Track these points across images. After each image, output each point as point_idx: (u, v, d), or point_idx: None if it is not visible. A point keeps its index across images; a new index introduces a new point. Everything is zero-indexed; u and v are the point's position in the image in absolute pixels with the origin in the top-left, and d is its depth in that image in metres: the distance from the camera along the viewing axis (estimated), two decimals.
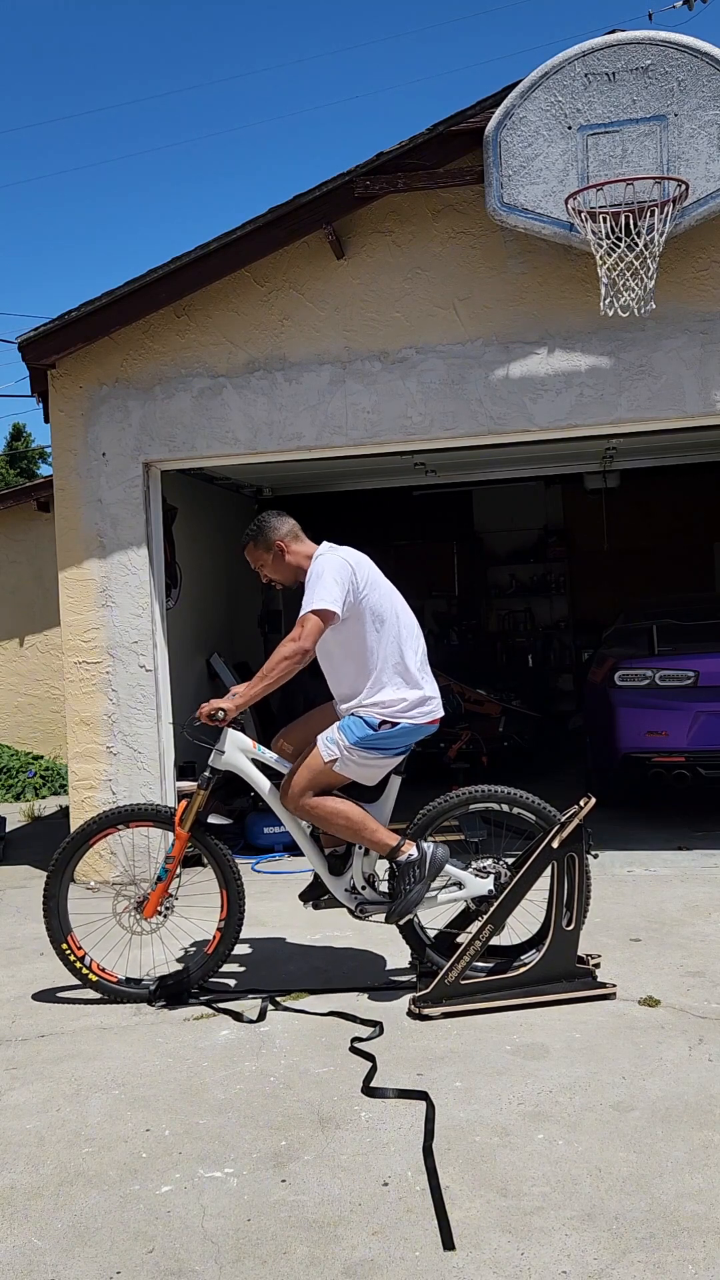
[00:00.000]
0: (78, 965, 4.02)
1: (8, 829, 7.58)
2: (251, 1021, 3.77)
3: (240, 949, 4.54)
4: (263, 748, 4.09)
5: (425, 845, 3.89)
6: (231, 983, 4.20)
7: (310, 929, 4.90)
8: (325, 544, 4.07)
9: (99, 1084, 3.35)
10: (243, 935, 4.51)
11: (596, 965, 3.89)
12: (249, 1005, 3.93)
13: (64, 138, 61.37)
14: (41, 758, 10.32)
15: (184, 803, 4.03)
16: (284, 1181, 2.71)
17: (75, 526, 6.33)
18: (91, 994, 4.09)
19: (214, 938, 4.05)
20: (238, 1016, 3.82)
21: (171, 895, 4.02)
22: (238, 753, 4.04)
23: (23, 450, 29.26)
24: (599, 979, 3.85)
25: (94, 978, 4.03)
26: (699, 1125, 2.87)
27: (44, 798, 9.65)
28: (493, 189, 5.50)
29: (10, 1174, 2.83)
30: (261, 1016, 3.80)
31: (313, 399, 6.06)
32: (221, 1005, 3.94)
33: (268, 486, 9.96)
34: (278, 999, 3.96)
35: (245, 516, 10.26)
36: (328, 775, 3.89)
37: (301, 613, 3.79)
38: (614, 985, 3.85)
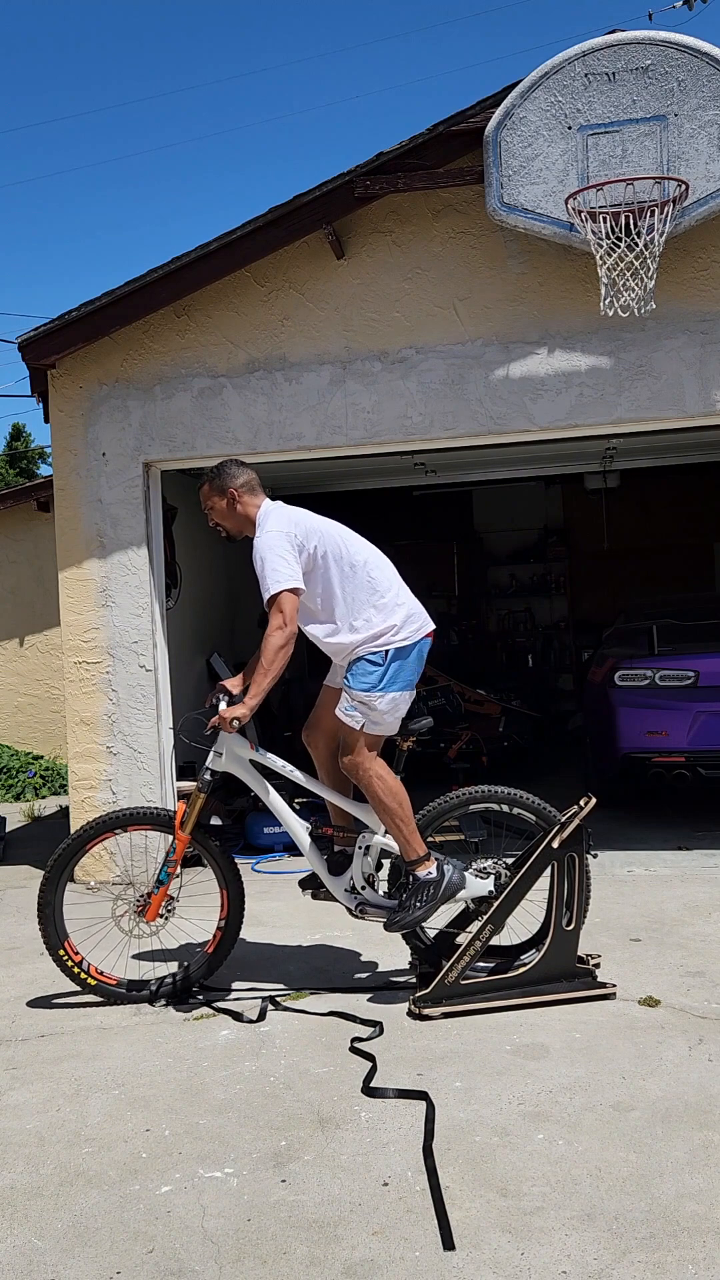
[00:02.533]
0: (76, 971, 4.01)
1: (8, 829, 7.58)
2: (251, 1021, 3.77)
3: (240, 949, 4.53)
4: (261, 749, 4.09)
5: (446, 868, 3.86)
6: (231, 983, 4.20)
7: (310, 929, 4.90)
8: (268, 503, 4.05)
9: (99, 1084, 3.35)
10: (243, 935, 4.50)
11: (596, 965, 3.89)
12: (249, 1005, 3.92)
13: (64, 138, 61.37)
14: (41, 758, 10.33)
15: (183, 805, 4.02)
16: (284, 1181, 2.71)
17: (75, 526, 6.33)
18: (92, 995, 4.08)
19: (214, 937, 4.05)
20: (238, 1016, 3.82)
21: (172, 898, 4.02)
22: (235, 755, 4.03)
23: (23, 450, 29.25)
24: (599, 979, 3.85)
25: (93, 982, 4.02)
26: (699, 1125, 2.87)
27: (44, 798, 9.65)
28: (493, 189, 5.50)
29: (10, 1174, 2.83)
30: (261, 1016, 3.80)
31: (313, 399, 6.06)
32: (221, 1005, 3.94)
33: (268, 486, 9.95)
34: (278, 999, 3.96)
35: None
36: (366, 740, 3.87)
37: (268, 597, 3.79)
38: (614, 985, 3.85)
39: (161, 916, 4.00)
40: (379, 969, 4.29)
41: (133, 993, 4.05)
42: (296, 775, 4.10)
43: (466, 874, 3.94)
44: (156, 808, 4.31)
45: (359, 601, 3.91)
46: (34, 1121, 3.13)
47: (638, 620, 7.48)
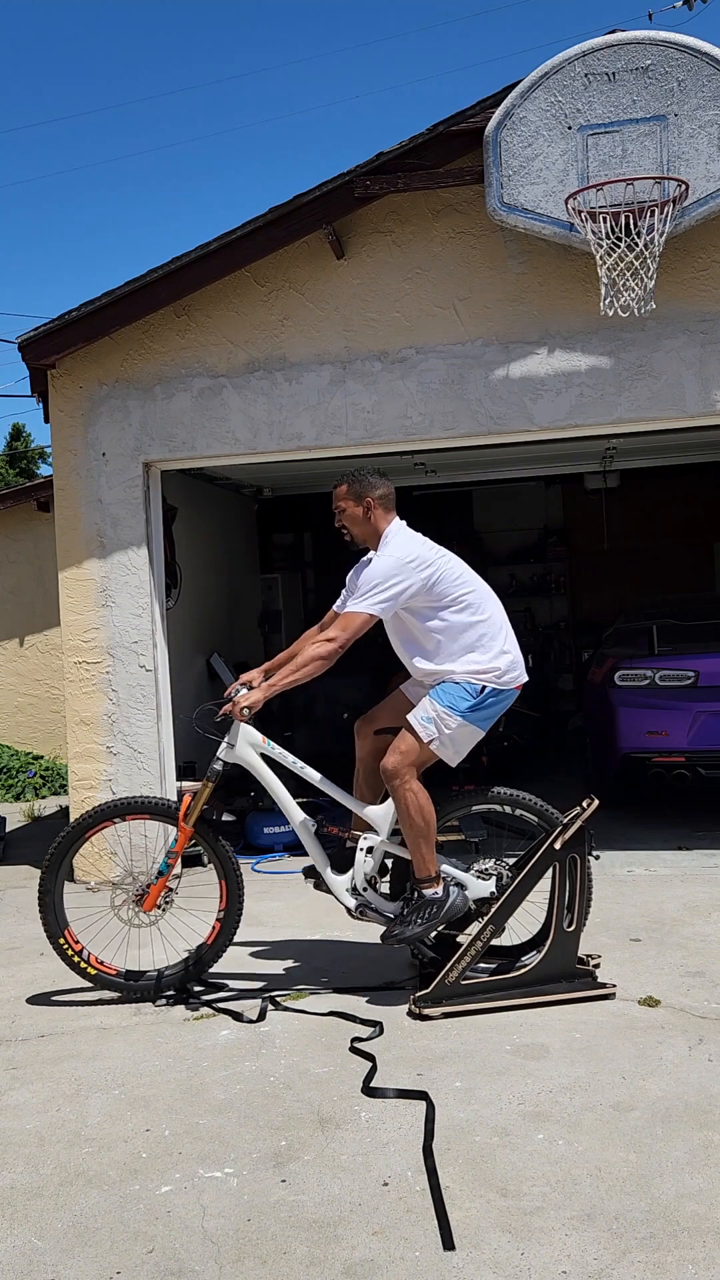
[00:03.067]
0: (76, 960, 4.02)
1: (8, 829, 7.58)
2: (251, 1021, 3.77)
3: (240, 949, 4.54)
4: (272, 742, 4.08)
5: (452, 890, 3.89)
6: (232, 983, 4.20)
7: (310, 929, 4.90)
8: (397, 522, 4.06)
9: (99, 1084, 3.35)
10: (243, 936, 4.51)
11: (596, 965, 3.89)
12: (249, 1005, 3.92)
13: (64, 137, 61.34)
14: (41, 758, 10.33)
15: (188, 797, 4.02)
16: (284, 1181, 2.70)
17: (75, 526, 6.33)
18: (91, 994, 4.09)
19: (214, 928, 4.05)
20: (238, 1016, 3.82)
21: (171, 889, 4.02)
22: (248, 747, 4.03)
23: (23, 450, 29.25)
24: (599, 979, 3.85)
25: (93, 971, 4.03)
26: (699, 1125, 2.87)
27: (44, 798, 9.65)
28: (493, 189, 5.49)
29: (10, 1174, 2.83)
30: (261, 1016, 3.80)
31: (313, 399, 6.06)
32: (221, 1005, 3.94)
33: (268, 486, 9.96)
34: (278, 999, 3.96)
35: (245, 516, 10.27)
36: (423, 754, 3.87)
37: (349, 609, 3.82)
38: (614, 985, 3.85)
39: (159, 907, 4.01)
40: (379, 969, 4.29)
41: (132, 983, 4.05)
42: (307, 771, 4.09)
43: (467, 893, 3.96)
44: (159, 798, 4.31)
45: (465, 642, 3.91)
46: (34, 1121, 3.13)
47: (638, 620, 7.48)
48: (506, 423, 5.88)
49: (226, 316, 6.17)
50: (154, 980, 4.05)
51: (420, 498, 11.95)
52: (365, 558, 4.05)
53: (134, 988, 4.05)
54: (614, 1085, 3.13)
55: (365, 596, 3.83)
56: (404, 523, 4.09)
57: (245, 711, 3.86)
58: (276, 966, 4.40)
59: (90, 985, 4.08)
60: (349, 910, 4.02)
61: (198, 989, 4.09)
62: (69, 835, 4.05)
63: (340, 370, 6.03)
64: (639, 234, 5.26)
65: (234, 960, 4.41)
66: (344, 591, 4.17)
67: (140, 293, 5.97)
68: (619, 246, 5.29)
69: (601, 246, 5.30)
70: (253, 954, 4.56)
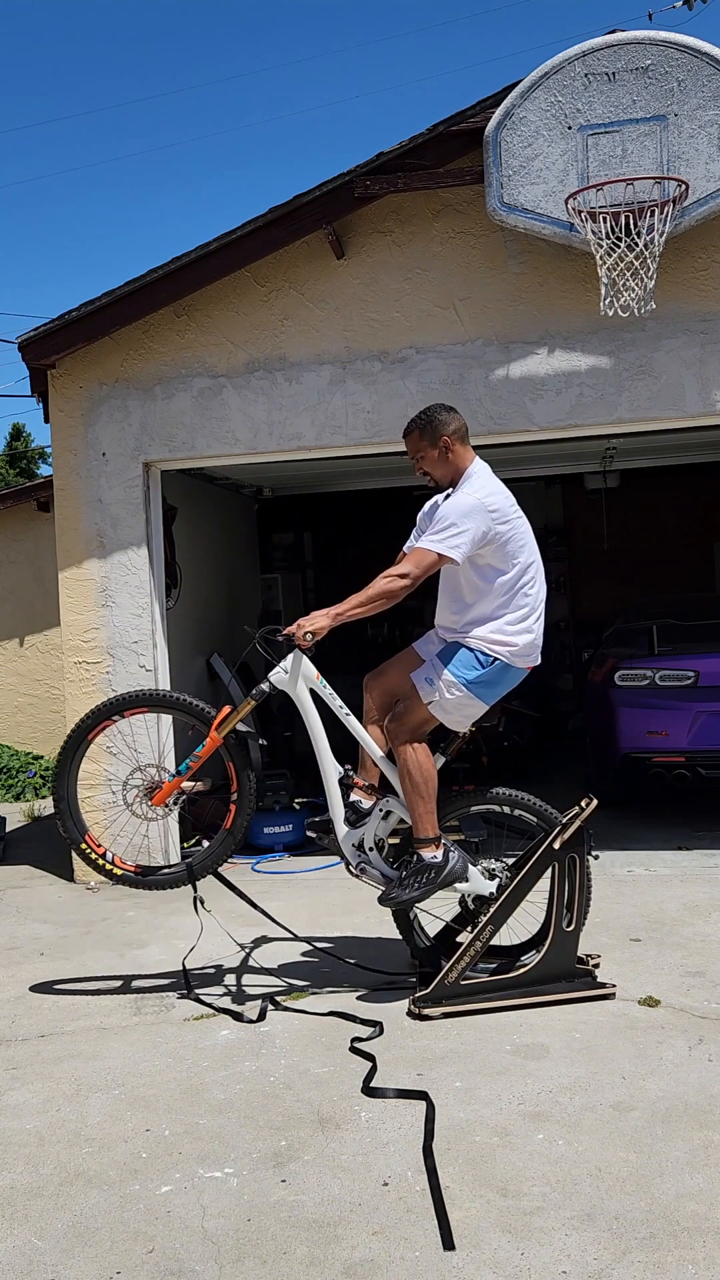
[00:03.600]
0: (100, 862, 4.04)
1: (8, 829, 7.58)
2: (251, 1021, 3.77)
3: (241, 949, 4.54)
4: (324, 681, 3.97)
5: (452, 855, 3.85)
6: (232, 982, 4.20)
7: (310, 928, 4.90)
8: (479, 461, 3.96)
9: (99, 1084, 3.35)
10: (243, 936, 4.51)
11: (596, 965, 3.89)
12: (249, 1005, 3.93)
13: (64, 138, 61.38)
14: (41, 758, 10.32)
15: (226, 708, 3.97)
16: (284, 1181, 2.70)
17: (75, 526, 6.33)
18: (91, 993, 4.09)
19: (230, 810, 4.04)
20: (238, 1016, 3.82)
21: (184, 792, 4.01)
22: (301, 680, 3.91)
23: (23, 450, 29.25)
24: (599, 979, 3.85)
25: (119, 872, 4.05)
26: (699, 1125, 2.87)
27: (44, 798, 9.64)
28: (493, 189, 5.50)
29: (10, 1174, 2.83)
30: (261, 1016, 3.80)
31: (313, 399, 6.06)
32: (221, 1005, 3.95)
33: (268, 486, 9.96)
34: (278, 999, 3.96)
35: (245, 516, 10.27)
36: (421, 714, 3.81)
37: (422, 545, 3.70)
38: (614, 985, 3.85)
39: (167, 806, 4.00)
40: (379, 969, 4.29)
41: (156, 877, 4.07)
42: (352, 721, 3.99)
43: (471, 868, 3.92)
44: (197, 701, 4.15)
45: (504, 605, 3.81)
46: (34, 1121, 3.13)
47: (638, 620, 7.48)
48: (506, 423, 5.89)
49: (226, 316, 6.17)
50: (184, 869, 4.04)
51: (421, 498, 11.95)
52: (440, 495, 3.93)
53: (162, 880, 4.03)
54: (614, 1085, 3.13)
55: (441, 535, 3.68)
56: (488, 466, 3.98)
57: (309, 636, 3.70)
58: (276, 966, 4.40)
59: (114, 883, 4.06)
60: (347, 865, 3.98)
61: (198, 989, 4.09)
62: (96, 714, 4.04)
63: (340, 370, 6.03)
64: (639, 234, 5.26)
65: (234, 960, 4.42)
66: (414, 531, 4.05)
67: (140, 293, 5.98)
68: (619, 246, 5.29)
69: (601, 246, 5.30)
70: (253, 954, 4.56)
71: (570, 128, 5.40)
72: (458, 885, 3.93)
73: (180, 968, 4.28)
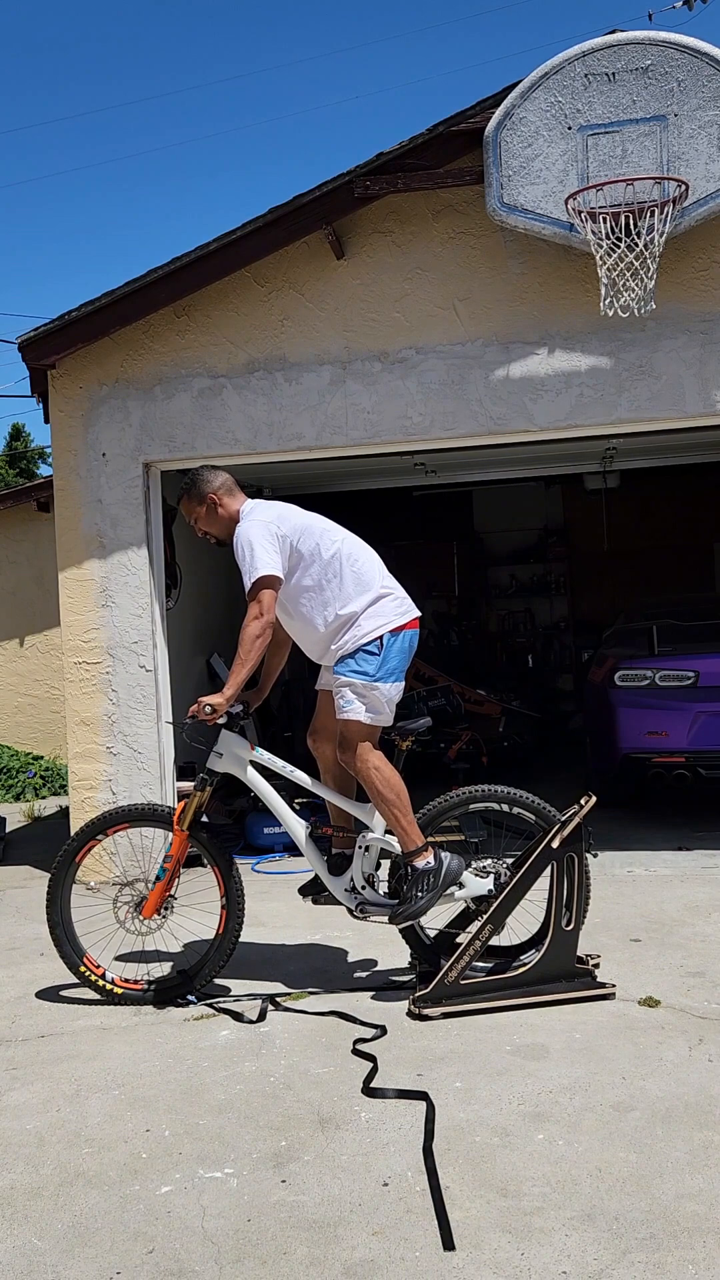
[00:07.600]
0: (101, 984, 4.01)
1: (8, 829, 7.58)
2: (251, 1022, 3.77)
3: (241, 949, 4.53)
4: (260, 749, 4.08)
5: (444, 855, 3.88)
6: (232, 983, 4.20)
7: (310, 929, 4.90)
8: (249, 501, 4.08)
9: (99, 1084, 3.35)
10: (243, 936, 4.50)
11: (596, 965, 3.89)
12: (249, 1005, 3.92)
13: (64, 138, 61.36)
14: (41, 758, 10.33)
15: (182, 803, 4.02)
16: (284, 1182, 2.70)
17: (75, 526, 6.33)
18: (91, 994, 4.08)
19: (220, 915, 4.02)
20: (238, 1017, 3.82)
21: (171, 895, 4.02)
22: (234, 755, 4.02)
23: (23, 450, 29.24)
24: (598, 979, 3.85)
25: (119, 991, 4.01)
26: (699, 1125, 2.87)
27: (44, 798, 9.65)
28: (493, 189, 5.50)
29: (10, 1174, 2.83)
30: (262, 1017, 3.80)
31: (313, 399, 6.06)
32: (221, 1005, 3.94)
33: (268, 486, 9.96)
34: (278, 999, 3.96)
35: None
36: (364, 731, 3.87)
37: (248, 585, 3.81)
38: (614, 985, 3.85)
39: (159, 915, 3.99)
40: (379, 969, 4.29)
41: (158, 991, 4.02)
42: (298, 775, 4.09)
43: (466, 872, 3.94)
44: (151, 805, 4.30)
45: (350, 594, 3.92)
46: (34, 1121, 3.13)
47: (638, 620, 7.48)
48: (506, 423, 5.89)
49: (226, 316, 6.17)
50: (179, 980, 4.03)
51: (420, 498, 11.96)
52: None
53: (165, 998, 3.99)
54: (614, 1085, 3.13)
55: (250, 563, 3.80)
56: (259, 500, 4.08)
57: (209, 709, 3.82)
58: (276, 966, 4.40)
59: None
60: (350, 911, 4.02)
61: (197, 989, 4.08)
62: (64, 859, 4.05)
63: (340, 370, 6.03)
64: (639, 234, 5.27)
65: (234, 960, 4.41)
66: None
67: (140, 293, 5.98)
68: (619, 247, 5.29)
69: (601, 247, 5.30)
70: (253, 954, 4.56)
71: (570, 128, 5.41)
72: (455, 892, 3.94)
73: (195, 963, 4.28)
